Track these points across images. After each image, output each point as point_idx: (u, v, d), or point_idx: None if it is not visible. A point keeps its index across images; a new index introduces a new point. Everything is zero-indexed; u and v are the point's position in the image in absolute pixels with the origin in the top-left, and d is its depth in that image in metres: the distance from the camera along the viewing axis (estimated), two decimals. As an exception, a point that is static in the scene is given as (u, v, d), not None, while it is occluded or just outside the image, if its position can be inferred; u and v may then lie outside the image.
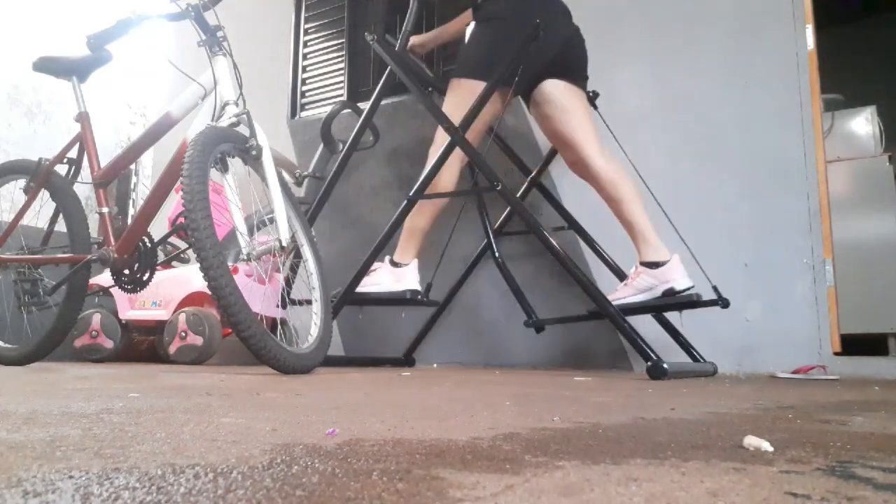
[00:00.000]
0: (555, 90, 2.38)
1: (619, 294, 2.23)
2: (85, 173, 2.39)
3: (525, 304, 2.65)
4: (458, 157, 2.37)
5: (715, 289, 2.22)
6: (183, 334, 2.67)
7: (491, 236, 2.76)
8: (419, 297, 2.40)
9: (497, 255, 2.72)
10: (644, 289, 2.19)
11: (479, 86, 2.31)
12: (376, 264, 2.44)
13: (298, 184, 3.09)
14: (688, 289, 2.16)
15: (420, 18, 3.04)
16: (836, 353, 2.42)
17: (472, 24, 2.45)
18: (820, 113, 2.60)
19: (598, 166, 2.29)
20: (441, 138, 2.39)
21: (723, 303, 2.19)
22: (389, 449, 0.60)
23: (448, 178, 2.39)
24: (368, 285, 2.42)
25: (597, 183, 2.31)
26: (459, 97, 2.36)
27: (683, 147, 2.76)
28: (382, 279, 2.41)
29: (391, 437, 0.68)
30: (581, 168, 2.36)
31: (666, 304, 2.20)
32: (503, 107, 2.45)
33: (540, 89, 2.41)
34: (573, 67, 2.43)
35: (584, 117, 2.37)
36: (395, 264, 2.43)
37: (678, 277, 2.16)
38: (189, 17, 2.03)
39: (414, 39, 2.77)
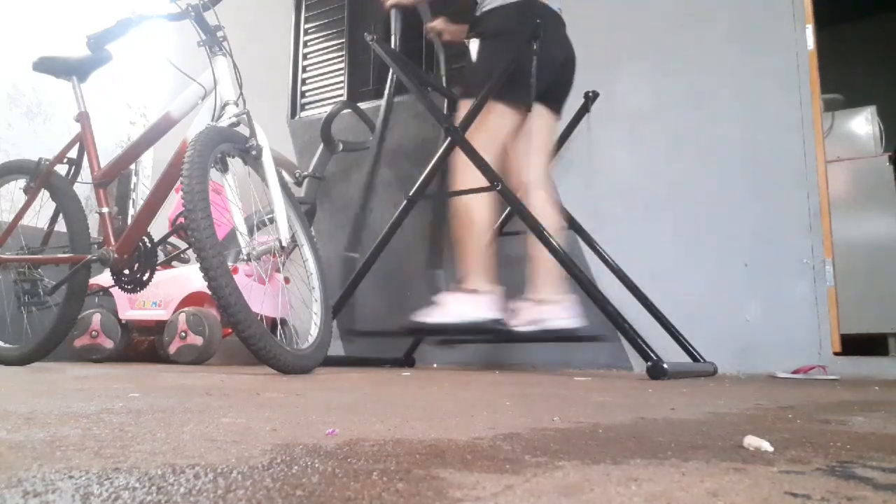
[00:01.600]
0: (531, 115, 2.38)
1: (512, 322, 2.33)
2: (85, 173, 2.39)
3: None
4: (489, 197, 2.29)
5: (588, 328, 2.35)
6: (183, 334, 2.67)
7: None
8: (501, 325, 2.29)
9: None
10: (531, 321, 2.31)
11: (491, 105, 2.27)
12: (445, 295, 2.29)
13: (298, 184, 3.09)
14: (567, 328, 2.30)
15: (406, 21, 3.04)
16: (836, 353, 2.42)
17: (476, 42, 2.40)
18: (820, 113, 2.60)
19: (532, 194, 2.37)
20: (462, 160, 2.30)
21: (597, 338, 2.40)
22: (389, 449, 0.60)
23: (485, 205, 2.28)
24: (443, 315, 2.25)
25: (527, 206, 2.29)
26: (481, 119, 2.28)
27: (683, 147, 2.76)
28: (459, 308, 2.23)
29: (391, 437, 0.68)
30: (521, 187, 2.41)
31: (546, 338, 2.37)
32: (522, 124, 2.39)
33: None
34: (558, 92, 2.44)
35: (541, 145, 2.44)
36: (470, 291, 2.26)
37: (561, 316, 2.31)
38: (189, 17, 2.03)
39: (430, 25, 2.76)
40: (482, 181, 2.24)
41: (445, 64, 3.11)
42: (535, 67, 2.24)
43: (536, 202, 2.34)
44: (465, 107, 2.36)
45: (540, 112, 2.39)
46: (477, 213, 2.26)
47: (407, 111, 3.36)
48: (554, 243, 2.18)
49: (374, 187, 3.45)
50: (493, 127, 2.30)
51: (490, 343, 2.59)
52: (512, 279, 2.83)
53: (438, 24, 2.79)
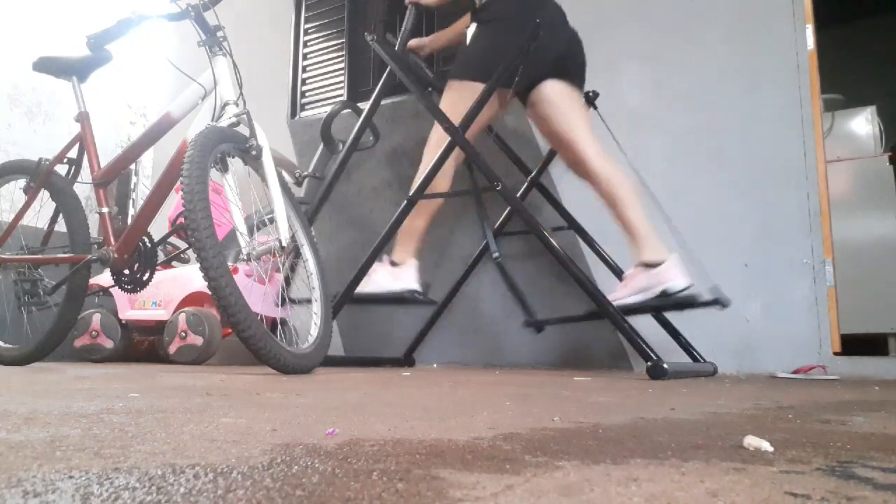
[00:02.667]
0: (553, 91, 2.39)
1: (617, 294, 2.22)
2: (85, 173, 2.39)
3: (524, 304, 2.65)
4: (451, 158, 2.36)
5: (714, 289, 2.22)
6: (183, 334, 2.67)
7: (491, 236, 2.76)
8: (418, 295, 2.39)
9: (496, 255, 2.72)
10: (641, 289, 2.16)
11: (477, 87, 2.30)
12: (375, 265, 2.44)
13: (298, 184, 3.09)
14: (685, 288, 2.14)
15: (419, 20, 3.04)
16: (836, 353, 2.41)
17: (473, 26, 2.44)
18: (820, 113, 2.59)
19: (597, 166, 2.28)
20: (436, 138, 2.39)
21: (721, 304, 2.18)
22: (389, 449, 0.60)
23: (443, 180, 2.38)
24: (368, 285, 2.42)
25: (595, 183, 2.31)
26: (457, 97, 2.35)
27: (683, 147, 2.76)
28: (381, 279, 2.41)
29: (391, 437, 0.68)
30: (580, 168, 2.35)
31: (664, 304, 2.18)
32: (501, 108, 2.45)
33: (538, 90, 2.41)
34: (572, 69, 2.43)
35: (581, 118, 2.38)
36: (393, 264, 2.42)
37: (675, 277, 2.14)
38: (189, 17, 2.03)
39: (412, 43, 2.77)
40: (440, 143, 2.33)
41: (435, 66, 3.12)
42: (532, 56, 2.26)
43: (610, 169, 2.29)
44: (451, 88, 2.40)
45: (563, 87, 2.40)
46: (437, 187, 2.36)
47: (406, 111, 3.36)
48: (553, 243, 2.18)
49: (373, 187, 3.45)
50: (465, 101, 2.32)
51: (591, 321, 2.52)
52: (517, 275, 2.84)
53: (414, 43, 2.80)
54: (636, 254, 2.21)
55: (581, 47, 2.46)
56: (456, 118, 2.31)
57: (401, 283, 2.38)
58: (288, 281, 2.55)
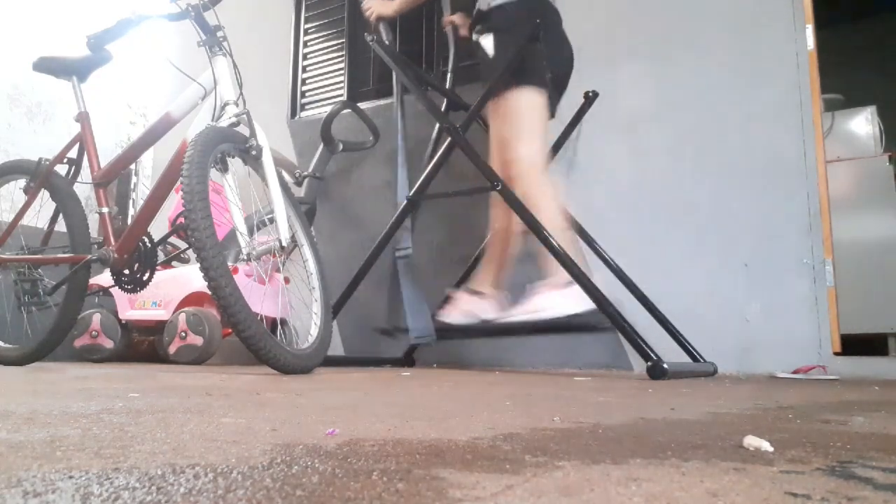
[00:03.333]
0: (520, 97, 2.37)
1: (446, 314, 2.31)
2: (85, 173, 2.39)
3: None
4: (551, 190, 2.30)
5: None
6: (183, 334, 2.67)
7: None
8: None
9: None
10: (466, 312, 2.30)
11: (530, 91, 2.27)
12: (458, 293, 2.38)
13: (298, 184, 3.09)
14: (577, 314, 2.12)
15: (404, 28, 3.05)
16: (836, 353, 2.41)
17: (489, 37, 2.37)
18: (820, 113, 2.59)
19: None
20: (525, 104, 2.29)
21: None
22: (389, 449, 0.60)
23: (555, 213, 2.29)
24: (534, 312, 2.22)
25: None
26: (513, 108, 2.28)
27: (683, 147, 2.76)
28: (551, 302, 2.19)
29: (391, 437, 0.68)
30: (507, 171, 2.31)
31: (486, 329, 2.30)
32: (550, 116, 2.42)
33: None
34: (561, 87, 2.46)
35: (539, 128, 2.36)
36: (562, 285, 2.22)
37: (487, 310, 2.26)
38: (189, 17, 2.03)
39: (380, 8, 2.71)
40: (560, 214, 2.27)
41: (454, 62, 3.08)
42: (547, 59, 2.26)
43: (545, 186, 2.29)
44: (497, 106, 2.33)
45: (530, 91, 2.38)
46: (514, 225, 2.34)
47: (407, 111, 3.36)
48: (553, 243, 2.18)
49: (373, 187, 3.45)
50: (531, 109, 2.29)
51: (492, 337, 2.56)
52: (518, 275, 2.83)
53: (457, 18, 2.78)
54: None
55: (573, 62, 2.48)
56: (538, 125, 2.27)
57: (580, 303, 2.16)
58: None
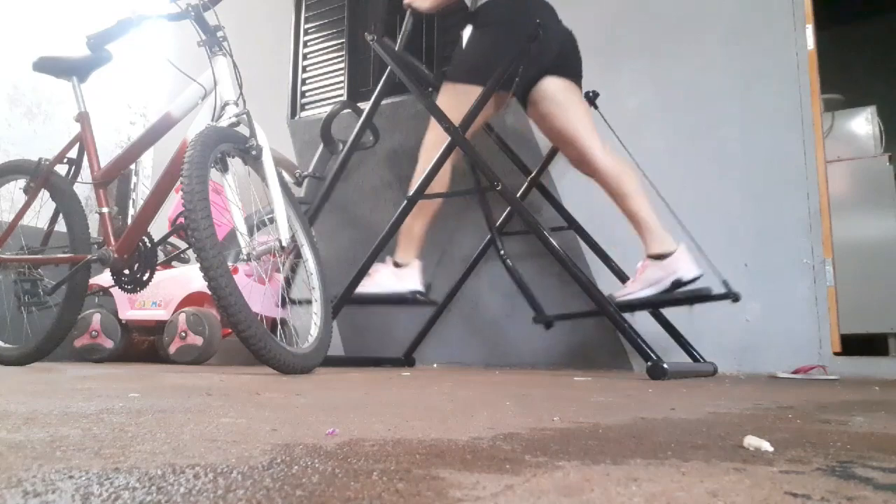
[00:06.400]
0: (553, 87, 2.39)
1: (629, 289, 2.21)
2: (85, 173, 2.39)
3: (532, 300, 2.64)
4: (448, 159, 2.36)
5: (725, 283, 2.21)
6: (183, 334, 2.67)
7: (495, 233, 2.76)
8: (420, 296, 2.39)
9: (502, 251, 2.71)
10: (652, 281, 2.15)
11: (472, 90, 2.30)
12: (377, 265, 2.43)
13: (298, 184, 3.09)
14: (696, 278, 2.13)
15: (419, 23, 3.04)
16: (836, 353, 2.41)
17: (468, 29, 2.43)
18: (820, 113, 2.59)
19: (601, 161, 2.29)
20: (431, 139, 2.39)
21: (733, 297, 2.17)
22: (389, 449, 0.60)
23: (441, 180, 2.38)
24: (370, 286, 2.41)
25: (600, 178, 2.31)
26: (453, 100, 2.35)
27: (683, 147, 2.76)
28: (384, 279, 2.40)
29: (391, 437, 0.68)
30: (584, 164, 2.35)
31: (675, 298, 2.17)
32: (498, 110, 2.46)
33: (538, 88, 2.41)
34: (570, 65, 2.43)
35: (583, 113, 2.38)
36: (396, 265, 2.42)
37: (685, 267, 2.12)
38: (189, 17, 2.03)
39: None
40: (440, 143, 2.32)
41: (437, 60, 3.10)
42: (533, 56, 2.25)
43: (611, 163, 2.29)
44: (447, 90, 2.39)
45: (563, 83, 2.40)
46: (435, 187, 2.35)
47: (406, 111, 3.36)
48: (553, 243, 2.18)
49: (373, 187, 3.45)
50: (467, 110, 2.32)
51: (598, 317, 2.54)
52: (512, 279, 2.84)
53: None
54: (645, 247, 2.21)
55: (576, 45, 2.46)
56: (453, 120, 2.31)
57: (404, 284, 2.38)
58: (288, 281, 2.54)
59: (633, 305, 2.16)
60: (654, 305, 2.26)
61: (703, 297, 2.15)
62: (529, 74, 2.33)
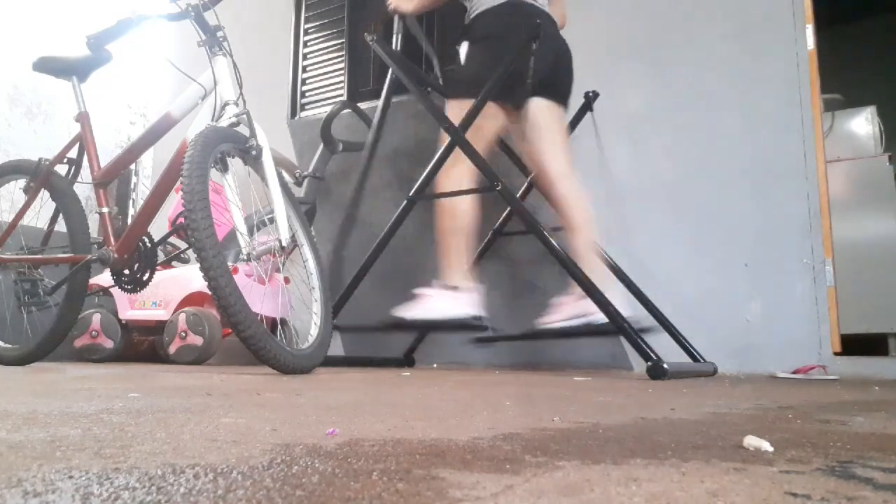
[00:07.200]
0: (536, 109, 2.37)
1: (552, 317, 2.27)
2: (85, 173, 2.39)
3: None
4: (467, 174, 2.31)
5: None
6: (183, 334, 2.67)
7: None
8: (478, 321, 2.26)
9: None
10: (572, 316, 2.24)
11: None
12: (425, 289, 2.28)
13: (298, 184, 3.09)
14: (605, 322, 2.13)
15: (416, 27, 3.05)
16: (836, 353, 2.41)
17: (464, 45, 2.41)
18: (820, 113, 2.59)
19: (557, 184, 2.33)
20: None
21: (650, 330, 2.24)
22: (389, 449, 0.60)
23: (468, 208, 2.29)
24: (422, 311, 2.25)
25: (553, 202, 2.36)
26: (459, 117, 2.31)
27: (683, 147, 2.76)
28: (440, 303, 2.23)
29: (391, 437, 0.68)
30: (541, 185, 2.42)
31: (587, 331, 2.24)
32: (509, 121, 2.43)
33: (527, 107, 2.40)
34: (560, 83, 2.43)
35: (558, 139, 2.39)
36: (451, 287, 2.26)
37: (596, 311, 2.16)
38: (189, 17, 2.03)
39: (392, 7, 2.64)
40: (467, 178, 2.28)
41: (439, 65, 3.10)
42: (532, 65, 2.25)
43: (567, 191, 2.32)
44: (452, 107, 2.37)
45: (547, 105, 2.39)
46: (460, 209, 2.28)
47: (406, 111, 3.36)
48: (553, 243, 2.18)
49: (373, 187, 3.45)
50: (481, 125, 2.31)
51: (527, 340, 2.55)
52: (513, 279, 2.84)
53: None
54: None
55: (570, 60, 2.44)
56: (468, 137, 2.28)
57: (463, 309, 2.23)
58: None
59: (552, 333, 2.27)
60: (568, 336, 2.35)
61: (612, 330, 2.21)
62: (530, 84, 2.31)
